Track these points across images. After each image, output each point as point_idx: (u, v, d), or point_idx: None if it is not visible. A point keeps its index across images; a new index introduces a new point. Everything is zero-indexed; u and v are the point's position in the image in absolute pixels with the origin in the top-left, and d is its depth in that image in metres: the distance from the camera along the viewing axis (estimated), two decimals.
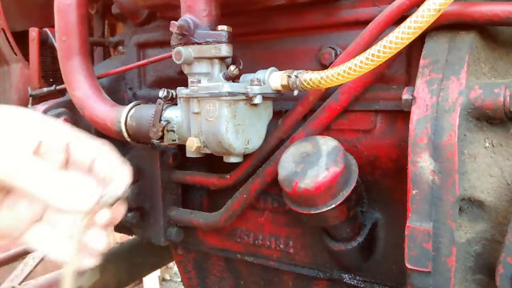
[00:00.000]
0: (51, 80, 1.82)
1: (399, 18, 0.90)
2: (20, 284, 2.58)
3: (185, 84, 1.05)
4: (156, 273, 3.70)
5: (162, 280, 4.06)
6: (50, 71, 1.82)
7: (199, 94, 0.99)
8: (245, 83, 0.99)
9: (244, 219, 1.32)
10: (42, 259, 2.96)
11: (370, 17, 0.97)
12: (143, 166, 1.34)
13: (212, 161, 1.18)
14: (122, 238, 3.47)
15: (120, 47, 1.60)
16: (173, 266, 4.11)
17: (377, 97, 1.01)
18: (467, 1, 0.86)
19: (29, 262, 2.92)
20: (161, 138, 1.08)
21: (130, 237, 2.30)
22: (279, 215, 1.27)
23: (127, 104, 1.21)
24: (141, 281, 3.48)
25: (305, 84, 0.95)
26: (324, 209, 0.93)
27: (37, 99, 1.56)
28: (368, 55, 0.85)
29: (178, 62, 1.01)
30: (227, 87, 0.95)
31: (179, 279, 4.01)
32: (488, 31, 0.89)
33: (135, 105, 1.20)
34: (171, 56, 1.04)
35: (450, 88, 0.81)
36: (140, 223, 1.37)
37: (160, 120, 1.08)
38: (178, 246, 1.59)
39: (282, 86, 0.98)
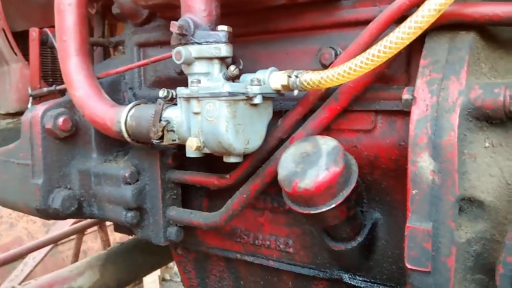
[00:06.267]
0: (50, 80, 1.82)
1: (399, 18, 0.90)
2: (20, 284, 2.58)
3: (185, 84, 1.05)
4: (156, 273, 3.70)
5: (162, 280, 4.06)
6: (50, 71, 1.82)
7: (199, 94, 0.99)
8: (245, 83, 0.99)
9: (244, 219, 1.33)
10: (42, 260, 2.96)
11: (370, 17, 0.97)
12: (143, 166, 1.34)
13: (212, 161, 1.18)
14: (122, 238, 3.47)
15: (120, 47, 1.60)
16: (173, 266, 4.11)
17: (377, 97, 1.01)
18: (467, 1, 0.86)
19: (29, 262, 2.92)
20: (161, 138, 1.08)
21: (130, 237, 2.30)
22: (279, 215, 1.27)
23: (127, 104, 1.21)
24: (141, 281, 3.48)
25: (305, 84, 0.95)
26: (324, 209, 0.93)
27: (37, 99, 1.57)
28: (368, 55, 0.85)
29: (178, 62, 1.01)
30: (227, 87, 0.95)
31: (179, 279, 4.01)
32: (488, 31, 0.89)
33: (135, 105, 1.20)
34: (171, 56, 1.04)
35: (450, 88, 0.81)
36: (140, 223, 1.37)
37: (160, 120, 1.07)
38: (178, 246, 1.59)
39: (282, 86, 0.98)
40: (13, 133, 1.64)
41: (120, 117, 1.18)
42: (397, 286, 1.10)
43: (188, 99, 1.03)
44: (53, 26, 1.31)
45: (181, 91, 1.04)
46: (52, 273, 2.05)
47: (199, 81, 1.01)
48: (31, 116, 1.35)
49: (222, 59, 1.03)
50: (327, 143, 0.95)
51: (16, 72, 1.79)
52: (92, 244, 4.02)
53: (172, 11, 1.13)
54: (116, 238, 3.59)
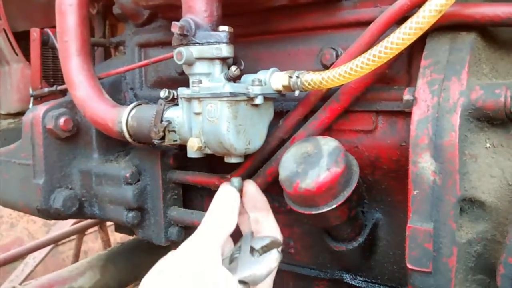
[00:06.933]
0: (52, 80, 1.82)
1: (401, 19, 0.90)
2: (20, 284, 2.58)
3: (186, 84, 1.05)
4: None
5: None
6: (51, 71, 1.82)
7: (201, 95, 0.99)
8: (246, 83, 0.99)
9: None
10: (42, 260, 2.96)
11: (371, 17, 0.97)
12: (144, 167, 1.34)
13: (213, 162, 1.19)
14: (122, 238, 3.48)
15: (121, 48, 1.61)
16: None
17: (378, 98, 1.01)
18: (468, 1, 0.86)
19: (29, 262, 2.92)
20: (162, 138, 1.08)
21: (131, 237, 2.30)
22: (280, 215, 1.26)
23: (128, 105, 1.21)
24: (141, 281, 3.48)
25: (306, 84, 0.95)
26: (325, 209, 0.93)
27: (38, 99, 1.57)
28: (370, 55, 0.85)
29: (179, 63, 1.01)
30: (229, 87, 0.95)
31: None
32: (489, 31, 0.89)
33: (136, 106, 1.20)
34: (172, 57, 1.04)
35: (451, 89, 0.81)
36: (141, 223, 1.37)
37: (161, 120, 1.08)
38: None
39: (283, 86, 0.98)
40: (14, 133, 1.64)
41: (121, 118, 1.19)
42: (398, 286, 1.10)
43: (189, 99, 1.03)
44: (54, 27, 1.31)
45: (182, 91, 1.04)
46: (53, 273, 2.05)
47: (200, 82, 1.01)
48: (32, 116, 1.35)
49: (223, 60, 1.03)
50: (328, 144, 0.95)
51: (17, 72, 1.80)
52: (93, 245, 4.02)
53: (173, 11, 1.13)
54: (117, 238, 3.60)
